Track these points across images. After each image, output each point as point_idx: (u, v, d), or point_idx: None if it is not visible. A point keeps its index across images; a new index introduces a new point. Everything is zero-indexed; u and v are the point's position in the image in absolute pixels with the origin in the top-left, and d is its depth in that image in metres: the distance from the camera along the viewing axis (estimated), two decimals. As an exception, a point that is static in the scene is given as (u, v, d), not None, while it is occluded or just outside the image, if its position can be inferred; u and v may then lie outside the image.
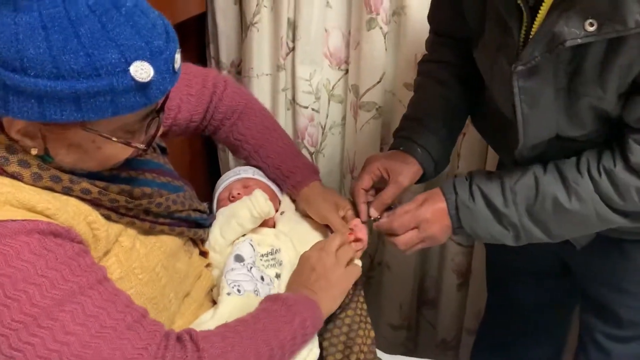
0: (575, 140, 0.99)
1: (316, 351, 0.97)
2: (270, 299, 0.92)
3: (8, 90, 0.68)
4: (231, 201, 1.14)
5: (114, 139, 0.76)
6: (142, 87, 0.71)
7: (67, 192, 0.78)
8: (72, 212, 0.76)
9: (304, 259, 1.02)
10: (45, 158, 0.77)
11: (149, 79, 0.70)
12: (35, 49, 0.66)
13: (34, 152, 0.76)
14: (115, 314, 0.74)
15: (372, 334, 1.09)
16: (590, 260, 1.19)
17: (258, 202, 1.05)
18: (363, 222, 1.12)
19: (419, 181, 1.18)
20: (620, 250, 1.14)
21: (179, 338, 0.80)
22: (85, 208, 0.79)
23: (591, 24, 0.80)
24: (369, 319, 1.11)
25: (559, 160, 1.00)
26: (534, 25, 0.89)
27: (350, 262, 1.05)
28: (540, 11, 0.87)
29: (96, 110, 0.70)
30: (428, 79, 1.22)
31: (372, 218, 1.12)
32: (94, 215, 0.79)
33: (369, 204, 1.13)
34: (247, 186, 1.16)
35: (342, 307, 1.09)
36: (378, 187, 1.15)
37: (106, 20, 0.69)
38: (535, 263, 1.36)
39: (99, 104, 0.69)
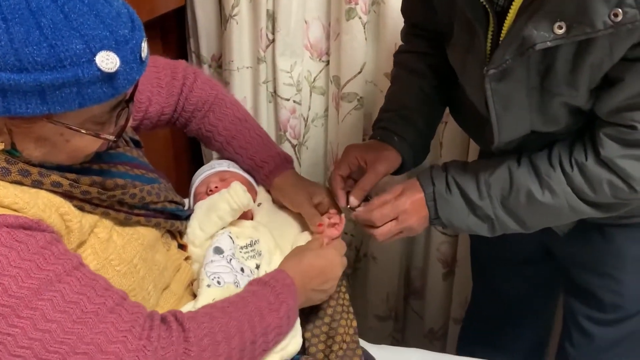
0: (551, 134, 1.00)
1: (299, 340, 0.97)
2: (259, 283, 0.92)
3: None
4: (209, 195, 1.13)
5: (83, 131, 0.75)
6: (109, 78, 0.70)
7: (37, 185, 0.77)
8: (42, 204, 0.75)
9: (327, 260, 1.01)
10: (12, 152, 0.76)
11: (115, 69, 0.69)
12: None
13: (0, 146, 0.75)
14: (95, 299, 0.74)
15: (355, 323, 1.09)
16: (573, 245, 1.20)
17: (237, 194, 1.04)
18: (342, 208, 1.12)
19: (398, 172, 1.17)
20: (602, 235, 1.15)
21: (163, 319, 0.80)
22: (57, 200, 0.78)
23: (560, 27, 0.81)
24: (351, 309, 1.11)
25: (533, 153, 1.02)
26: (503, 29, 0.89)
27: None
28: (508, 15, 0.87)
29: (62, 102, 0.69)
30: (403, 70, 1.22)
31: (351, 206, 1.11)
32: (66, 206, 0.78)
33: (348, 193, 1.13)
34: (224, 179, 1.15)
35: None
36: (356, 177, 1.14)
37: (68, 10, 0.67)
38: (519, 250, 1.37)
39: (64, 96, 0.68)
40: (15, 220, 0.71)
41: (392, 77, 1.26)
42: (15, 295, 0.69)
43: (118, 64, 0.69)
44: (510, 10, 0.87)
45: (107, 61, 0.68)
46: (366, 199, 1.13)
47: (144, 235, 0.91)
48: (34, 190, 0.76)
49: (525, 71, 0.91)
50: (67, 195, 0.79)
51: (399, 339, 2.05)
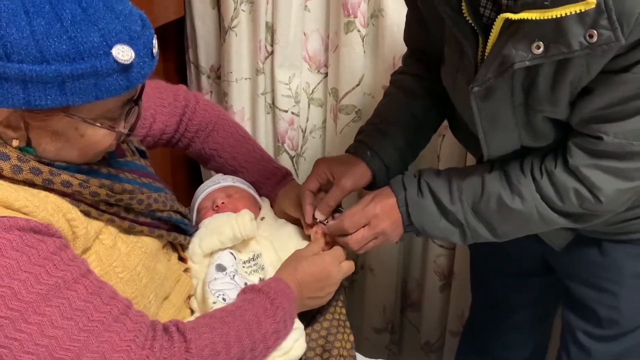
0: (542, 148, 1.01)
1: (302, 343, 0.97)
2: (253, 291, 0.93)
3: None
4: (215, 210, 1.13)
5: (98, 124, 0.77)
6: (124, 70, 0.72)
7: (47, 184, 0.78)
8: (50, 209, 0.76)
9: (323, 269, 1.01)
10: (26, 149, 0.78)
11: (130, 61, 0.72)
12: (19, 34, 0.67)
13: (15, 143, 0.76)
14: (101, 307, 0.75)
15: (352, 338, 1.09)
16: (570, 259, 1.20)
17: (244, 224, 1.04)
18: (308, 224, 1.12)
19: (370, 187, 1.17)
20: (599, 249, 1.15)
21: (165, 329, 0.81)
22: (65, 205, 0.79)
23: (538, 47, 0.83)
24: (347, 323, 1.11)
25: (504, 162, 1.03)
26: (487, 48, 0.91)
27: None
28: (491, 34, 0.89)
29: (80, 93, 0.71)
30: (398, 89, 1.23)
31: (318, 221, 1.11)
32: (73, 212, 0.79)
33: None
34: (230, 195, 1.15)
35: (321, 311, 1.08)
36: (327, 190, 1.14)
37: (86, 5, 0.70)
38: (519, 263, 1.37)
39: (82, 88, 0.71)
40: (26, 224, 0.72)
41: (385, 93, 1.27)
42: (24, 300, 0.70)
43: (133, 56, 0.72)
44: (492, 30, 0.89)
45: (123, 53, 0.71)
46: (338, 211, 1.14)
47: (148, 243, 0.92)
48: (43, 194, 0.77)
49: (509, 89, 0.93)
50: (75, 199, 0.81)
51: (396, 351, 2.04)
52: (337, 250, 1.07)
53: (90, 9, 0.70)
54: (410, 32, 1.22)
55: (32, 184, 0.77)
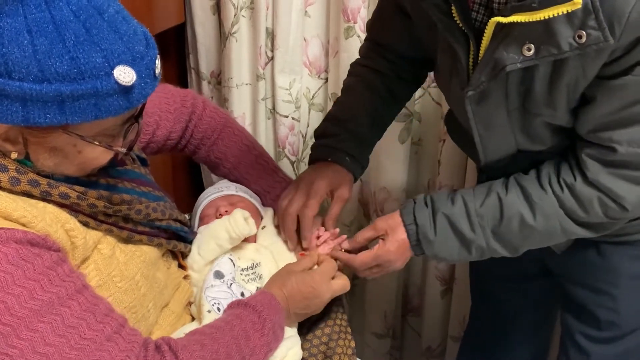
0: (540, 152, 1.02)
1: (297, 351, 0.97)
2: (239, 305, 0.92)
3: None
4: (218, 218, 1.13)
5: (96, 142, 0.77)
6: (125, 91, 0.72)
7: (45, 196, 0.77)
8: (49, 219, 0.76)
9: (311, 286, 0.99)
10: (24, 162, 0.77)
11: (132, 82, 0.71)
12: (21, 52, 0.67)
13: (13, 156, 0.76)
14: (94, 325, 0.74)
15: (353, 344, 1.08)
16: (568, 261, 1.20)
17: (237, 223, 1.04)
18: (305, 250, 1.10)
19: None
20: (597, 252, 1.15)
21: (157, 347, 0.80)
22: (64, 215, 0.79)
23: (529, 49, 0.84)
24: (349, 329, 1.10)
25: (520, 176, 1.02)
26: (480, 52, 0.92)
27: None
28: (483, 38, 0.90)
29: (79, 113, 0.70)
30: (360, 83, 1.23)
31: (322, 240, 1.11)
32: (72, 222, 0.79)
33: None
34: (233, 203, 1.15)
35: (322, 317, 1.08)
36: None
37: (90, 26, 0.70)
38: (518, 267, 1.36)
39: (82, 107, 0.70)
40: (24, 236, 0.72)
41: (345, 85, 1.26)
42: (17, 315, 0.69)
43: (134, 78, 0.72)
44: (485, 34, 0.89)
45: (125, 75, 0.71)
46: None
47: (146, 252, 0.92)
48: (41, 204, 0.77)
49: (504, 93, 0.94)
50: (73, 210, 0.80)
51: (397, 357, 2.04)
52: (328, 266, 1.04)
53: (94, 29, 0.70)
54: (384, 26, 1.21)
55: (30, 195, 0.77)
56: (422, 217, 1.04)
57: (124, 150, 0.82)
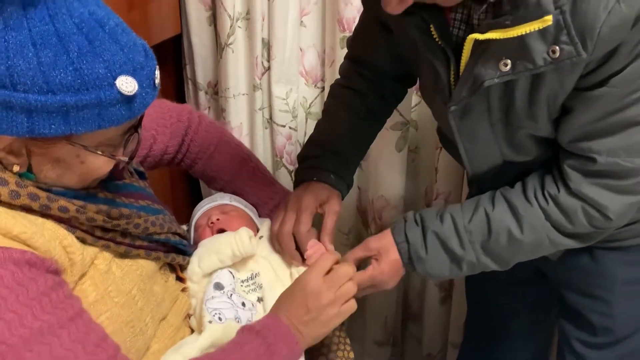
0: (526, 162, 1.03)
1: None
2: (250, 332, 0.88)
3: None
4: (210, 227, 1.13)
5: (99, 152, 0.78)
6: (127, 101, 0.73)
7: (44, 210, 0.77)
8: (48, 235, 0.76)
9: (301, 284, 0.94)
10: (26, 175, 0.78)
11: (133, 92, 0.73)
12: (26, 64, 0.68)
13: (16, 169, 0.77)
14: (83, 356, 0.72)
15: (352, 355, 1.09)
16: (563, 267, 1.21)
17: (242, 242, 1.04)
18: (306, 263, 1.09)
19: None
20: (591, 257, 1.16)
21: None
22: (62, 232, 0.79)
23: (505, 64, 0.86)
24: (348, 340, 1.10)
25: (506, 190, 1.03)
26: (460, 68, 0.93)
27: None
28: (463, 54, 0.92)
29: (83, 123, 0.71)
30: (340, 106, 1.23)
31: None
32: (69, 238, 0.79)
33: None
34: (226, 212, 1.15)
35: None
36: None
37: (92, 38, 0.71)
38: (513, 272, 1.35)
39: (86, 117, 0.71)
40: (21, 256, 0.72)
41: (326, 107, 1.27)
42: (7, 343, 0.68)
43: (136, 88, 0.73)
44: (464, 51, 0.91)
45: (127, 85, 0.72)
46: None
47: (143, 266, 0.92)
48: (40, 220, 0.77)
49: (486, 106, 0.95)
50: (71, 225, 0.80)
51: (398, 364, 2.04)
52: (319, 265, 0.97)
53: (97, 41, 0.71)
54: (366, 43, 1.21)
55: (29, 210, 0.77)
56: (413, 236, 1.05)
57: (125, 159, 0.83)
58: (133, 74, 0.73)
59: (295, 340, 0.90)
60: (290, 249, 1.08)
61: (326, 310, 0.93)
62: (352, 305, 0.96)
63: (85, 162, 0.79)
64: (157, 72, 0.78)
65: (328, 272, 0.96)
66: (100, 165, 0.81)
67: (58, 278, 0.76)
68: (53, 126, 0.70)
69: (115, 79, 0.71)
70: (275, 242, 1.10)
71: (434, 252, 1.03)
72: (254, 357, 0.86)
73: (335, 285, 0.94)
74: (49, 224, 0.78)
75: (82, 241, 0.82)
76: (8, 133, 0.71)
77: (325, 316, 0.93)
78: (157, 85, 0.78)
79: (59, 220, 0.79)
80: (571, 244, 1.01)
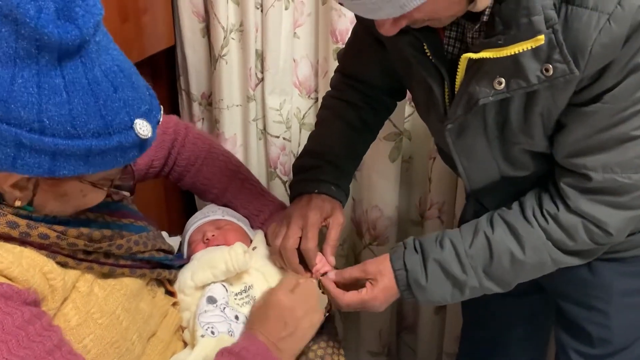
0: (524, 177, 1.03)
1: None
2: (230, 354, 0.88)
3: (22, 148, 0.69)
4: (205, 243, 1.13)
5: (105, 188, 0.79)
6: (142, 142, 0.75)
7: (24, 237, 0.76)
8: (26, 264, 0.75)
9: (273, 302, 0.96)
10: (25, 208, 0.78)
11: (149, 135, 0.75)
12: (57, 111, 0.68)
13: (17, 203, 0.77)
14: None
15: (346, 364, 1.08)
16: (560, 278, 1.20)
17: (237, 257, 1.03)
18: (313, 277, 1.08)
19: None
20: (588, 268, 1.16)
21: None
22: (41, 259, 0.77)
23: (499, 83, 0.87)
24: (342, 351, 1.10)
25: (504, 212, 1.03)
26: (455, 86, 0.94)
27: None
28: (457, 72, 0.93)
29: (101, 165, 0.73)
30: (334, 117, 1.23)
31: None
32: (49, 265, 0.78)
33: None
34: (220, 227, 1.15)
35: (315, 339, 1.08)
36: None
37: (117, 84, 0.72)
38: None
39: (105, 160, 0.73)
40: None
41: (319, 119, 1.27)
42: None
43: (151, 131, 0.75)
44: (458, 69, 0.92)
45: (144, 129, 0.74)
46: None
47: (127, 285, 0.90)
48: (18, 249, 0.76)
49: (482, 124, 0.96)
50: (52, 251, 0.79)
51: (393, 375, 2.03)
52: (288, 280, 1.02)
53: (120, 87, 0.72)
54: (357, 59, 1.22)
55: (8, 238, 0.76)
56: (412, 263, 1.04)
57: (126, 194, 0.86)
58: (147, 117, 0.75)
59: (275, 358, 0.91)
60: (295, 264, 1.07)
61: (301, 323, 0.96)
62: (321, 317, 1.01)
63: (87, 196, 0.80)
64: (162, 112, 0.80)
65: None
66: (98, 197, 0.82)
67: (36, 310, 0.74)
68: (73, 168, 0.71)
69: (132, 122, 0.73)
70: (278, 257, 1.09)
71: (435, 280, 1.02)
72: None
73: (306, 299, 0.98)
74: (28, 252, 0.77)
75: (64, 265, 0.81)
76: (28, 173, 0.71)
77: (301, 330, 0.96)
78: (159, 122, 0.79)
79: (38, 247, 0.78)
80: (573, 261, 1.01)
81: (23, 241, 0.77)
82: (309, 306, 0.98)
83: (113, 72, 0.72)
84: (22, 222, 0.77)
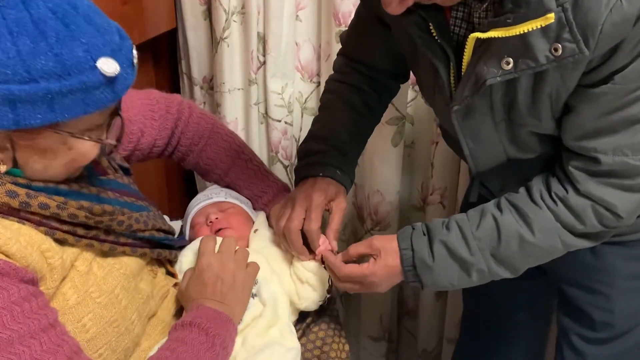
0: (531, 159, 1.02)
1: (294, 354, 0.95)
2: (184, 327, 0.89)
3: None
4: (209, 226, 1.13)
5: (86, 138, 0.77)
6: (110, 82, 0.72)
7: (24, 207, 0.76)
8: (24, 241, 0.75)
9: (203, 268, 0.98)
10: (13, 172, 0.77)
11: (116, 73, 0.72)
12: (5, 54, 0.66)
13: (3, 168, 0.75)
14: None
15: (347, 347, 1.08)
16: (563, 262, 1.19)
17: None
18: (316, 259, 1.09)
19: None
20: (591, 252, 1.15)
21: None
22: (39, 237, 0.77)
23: (507, 63, 0.86)
24: (343, 333, 1.10)
25: (511, 195, 1.02)
26: (462, 67, 0.93)
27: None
28: (465, 54, 0.91)
29: (69, 109, 0.70)
30: (338, 101, 1.22)
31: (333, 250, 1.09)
32: (47, 243, 0.78)
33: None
34: (223, 210, 1.15)
35: (315, 321, 1.08)
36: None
37: (68, 22, 0.70)
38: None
39: (71, 103, 0.70)
40: None
41: (323, 102, 1.25)
42: None
43: (118, 69, 0.72)
44: (465, 49, 0.91)
45: (108, 66, 0.72)
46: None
47: (127, 264, 0.90)
48: (16, 226, 0.76)
49: (489, 106, 0.95)
50: (51, 227, 0.79)
51: (393, 360, 2.04)
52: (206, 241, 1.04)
53: (72, 24, 0.70)
54: (361, 41, 1.20)
55: (7, 213, 0.76)
56: (419, 244, 1.03)
57: (113, 142, 0.82)
58: (112, 55, 0.72)
59: (226, 316, 0.92)
60: (299, 245, 1.07)
61: (237, 274, 0.98)
62: (256, 266, 1.04)
63: (72, 149, 0.78)
64: (135, 52, 0.78)
65: None
66: (87, 150, 0.79)
67: (33, 288, 0.74)
68: (39, 115, 0.69)
69: (95, 61, 0.71)
70: (282, 238, 1.09)
71: (441, 260, 1.01)
72: (198, 345, 0.86)
73: (230, 252, 1.01)
74: (25, 229, 0.76)
75: (62, 243, 0.81)
76: None
77: (240, 279, 0.98)
78: (135, 65, 0.77)
79: (37, 223, 0.78)
80: (584, 244, 1.00)
81: (23, 215, 0.77)
82: (237, 259, 1.01)
83: (63, 10, 0.70)
84: (22, 191, 0.76)
